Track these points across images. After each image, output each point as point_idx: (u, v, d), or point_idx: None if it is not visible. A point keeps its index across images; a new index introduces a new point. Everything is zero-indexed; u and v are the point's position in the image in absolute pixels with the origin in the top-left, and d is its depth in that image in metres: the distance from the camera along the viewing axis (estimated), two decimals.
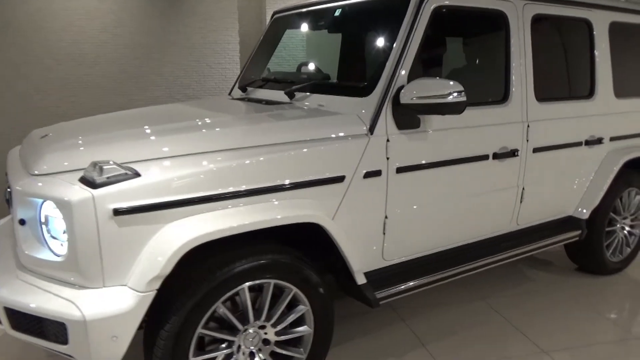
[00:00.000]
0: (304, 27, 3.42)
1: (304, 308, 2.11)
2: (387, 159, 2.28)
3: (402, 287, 2.43)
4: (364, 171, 2.21)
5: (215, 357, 1.97)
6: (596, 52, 3.17)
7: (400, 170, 2.32)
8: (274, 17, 3.53)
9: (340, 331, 2.81)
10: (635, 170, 3.53)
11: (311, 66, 3.25)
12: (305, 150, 2.05)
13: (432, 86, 2.18)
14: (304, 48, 4.30)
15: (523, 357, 2.58)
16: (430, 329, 2.84)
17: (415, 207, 2.44)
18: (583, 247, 3.44)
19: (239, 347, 2.01)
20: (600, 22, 3.18)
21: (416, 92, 2.19)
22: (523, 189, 2.89)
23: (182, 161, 1.88)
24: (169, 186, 1.78)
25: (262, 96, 2.95)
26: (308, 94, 2.62)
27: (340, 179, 2.15)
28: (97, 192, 1.68)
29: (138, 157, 1.88)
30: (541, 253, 3.94)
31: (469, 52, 2.91)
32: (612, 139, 3.31)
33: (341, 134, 2.17)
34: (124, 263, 1.76)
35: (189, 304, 1.81)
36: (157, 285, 1.74)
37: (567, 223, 3.29)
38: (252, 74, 3.36)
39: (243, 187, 1.91)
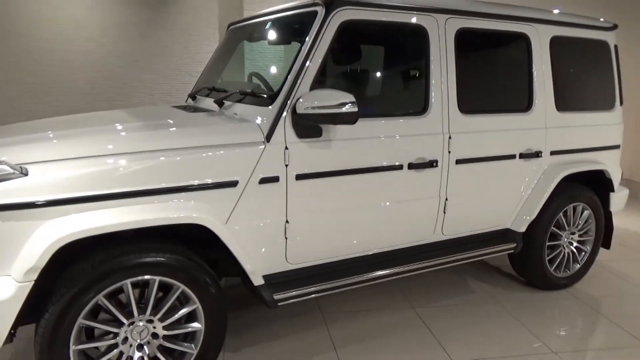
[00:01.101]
0: (255, 38, 3.56)
1: (193, 305, 2.22)
2: (286, 166, 2.37)
3: (305, 290, 2.51)
4: (260, 177, 2.31)
5: (100, 347, 2.11)
6: (534, 66, 3.17)
7: (300, 177, 2.41)
8: (229, 28, 3.68)
9: (260, 331, 2.91)
10: (582, 185, 3.50)
11: (257, 76, 3.37)
12: (195, 155, 2.17)
13: (325, 97, 2.27)
14: (268, 58, 4.44)
15: None
16: (349, 333, 2.90)
17: (318, 213, 2.51)
18: (524, 260, 3.43)
19: (126, 339, 2.14)
20: (539, 36, 3.18)
21: (310, 102, 2.27)
22: (446, 199, 2.92)
23: (73, 163, 2.01)
24: (52, 185, 1.93)
25: (206, 105, 3.09)
26: (233, 103, 2.73)
27: (233, 184, 2.26)
28: None
29: (36, 159, 2.02)
30: (495, 265, 3.95)
31: (387, 65, 2.97)
32: (552, 153, 3.30)
33: (236, 142, 2.27)
34: (9, 254, 1.91)
35: (68, 296, 1.94)
36: (34, 276, 1.88)
37: (504, 235, 3.29)
38: (205, 83, 3.51)
39: (128, 189, 2.04)
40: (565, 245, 3.52)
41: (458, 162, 2.90)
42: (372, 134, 2.59)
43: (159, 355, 2.20)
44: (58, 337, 1.96)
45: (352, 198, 2.60)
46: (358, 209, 2.63)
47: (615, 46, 3.63)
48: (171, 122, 2.47)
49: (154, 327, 2.18)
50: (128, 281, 2.06)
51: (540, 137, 3.22)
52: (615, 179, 3.67)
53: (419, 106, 2.78)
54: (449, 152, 2.85)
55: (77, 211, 1.96)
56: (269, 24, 2.99)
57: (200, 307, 2.23)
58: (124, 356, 2.14)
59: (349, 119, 2.30)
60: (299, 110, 2.30)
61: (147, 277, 2.09)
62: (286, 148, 2.36)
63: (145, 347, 2.18)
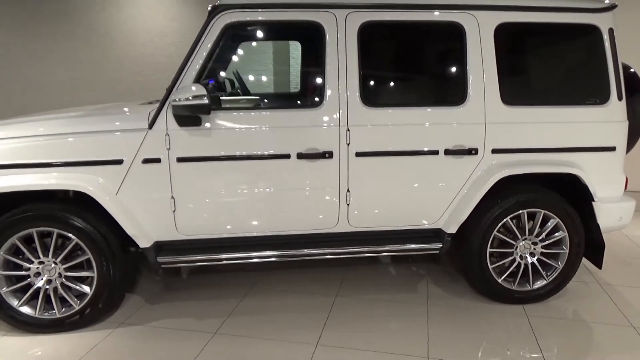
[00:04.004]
0: None
1: (87, 256, 2.82)
2: (168, 149, 2.79)
3: (189, 258, 2.91)
4: (143, 158, 2.79)
5: (20, 277, 2.85)
6: (469, 57, 2.95)
7: (180, 160, 2.81)
8: None
9: (186, 294, 3.38)
10: (545, 189, 3.11)
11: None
12: (88, 138, 2.74)
13: (184, 91, 2.63)
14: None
15: (297, 344, 2.75)
16: (253, 308, 3.16)
17: (201, 193, 2.86)
18: (464, 265, 3.21)
19: (39, 273, 2.84)
20: (478, 25, 2.93)
21: (175, 95, 2.66)
22: (348, 191, 2.96)
23: (12, 142, 2.76)
24: None
25: None
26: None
27: (119, 162, 2.77)
28: None
29: None
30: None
31: (283, 61, 3.10)
32: (495, 151, 3.01)
33: (122, 128, 2.78)
34: None
35: None
36: None
37: (432, 235, 3.15)
38: None
39: (40, 161, 2.71)
40: (522, 256, 3.16)
41: (358, 154, 2.91)
42: (255, 124, 2.83)
43: (61, 290, 2.85)
44: None
45: (235, 182, 2.88)
46: (242, 193, 2.90)
47: (611, 30, 3.07)
48: (95, 112, 3.05)
49: (59, 268, 2.85)
50: (34, 230, 2.75)
51: (477, 133, 2.98)
52: (603, 186, 3.12)
53: (315, 99, 2.90)
54: (348, 144, 2.90)
55: (5, 174, 2.71)
56: None
57: (92, 258, 2.82)
58: (35, 286, 2.85)
59: (203, 109, 2.63)
60: (171, 102, 2.70)
61: (48, 228, 2.76)
62: (167, 134, 2.78)
63: (53, 282, 2.86)
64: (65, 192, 3.02)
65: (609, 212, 3.16)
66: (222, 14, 2.77)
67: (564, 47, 3.09)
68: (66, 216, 2.75)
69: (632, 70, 3.30)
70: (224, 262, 2.95)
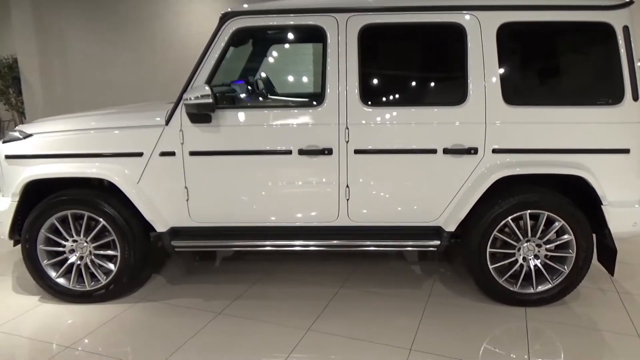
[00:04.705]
0: None
1: (111, 237, 3.19)
2: (182, 144, 3.09)
3: (200, 243, 3.20)
4: (160, 151, 3.10)
5: (59, 253, 3.27)
6: (469, 57, 2.97)
7: (192, 153, 3.09)
8: None
9: (199, 277, 3.68)
10: (550, 190, 3.06)
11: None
12: (114, 133, 3.11)
13: (193, 91, 2.91)
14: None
15: (290, 328, 2.93)
16: (253, 293, 3.38)
17: (211, 184, 3.13)
18: (467, 264, 3.22)
19: (73, 250, 3.25)
20: (480, 25, 2.95)
21: (187, 95, 2.94)
22: (347, 186, 3.10)
23: (50, 135, 3.20)
24: (36, 147, 3.15)
25: None
26: None
27: (139, 154, 3.11)
28: (1, 146, 3.21)
29: (38, 130, 3.28)
30: None
31: (289, 63, 3.26)
32: (495, 151, 3.01)
33: (143, 124, 3.11)
34: (12, 183, 3.23)
35: (33, 214, 3.15)
36: (16, 198, 3.15)
37: (432, 232, 3.20)
38: None
39: (74, 152, 3.12)
40: (525, 257, 3.12)
41: (357, 152, 3.04)
42: (260, 122, 3.05)
43: (90, 266, 3.25)
44: (30, 239, 3.19)
45: (242, 175, 3.11)
46: (249, 185, 3.13)
47: (626, 28, 2.95)
48: (124, 110, 3.42)
49: (90, 247, 3.24)
50: (68, 212, 3.16)
51: (476, 133, 3.00)
52: (616, 189, 3.01)
53: (316, 99, 3.07)
54: (347, 141, 3.04)
55: (42, 163, 3.14)
56: None
57: (116, 239, 3.18)
58: (69, 261, 3.25)
59: (208, 108, 2.89)
60: (184, 102, 2.98)
61: (80, 211, 3.15)
62: (181, 130, 3.08)
63: (85, 258, 3.26)
64: (100, 180, 3.42)
65: (622, 217, 3.04)
66: (231, 20, 3.02)
67: (572, 46, 3.02)
68: (95, 201, 3.13)
69: None
70: (231, 248, 3.20)
